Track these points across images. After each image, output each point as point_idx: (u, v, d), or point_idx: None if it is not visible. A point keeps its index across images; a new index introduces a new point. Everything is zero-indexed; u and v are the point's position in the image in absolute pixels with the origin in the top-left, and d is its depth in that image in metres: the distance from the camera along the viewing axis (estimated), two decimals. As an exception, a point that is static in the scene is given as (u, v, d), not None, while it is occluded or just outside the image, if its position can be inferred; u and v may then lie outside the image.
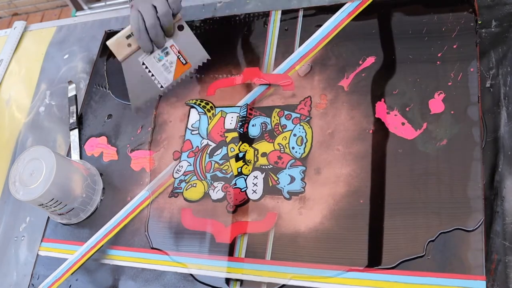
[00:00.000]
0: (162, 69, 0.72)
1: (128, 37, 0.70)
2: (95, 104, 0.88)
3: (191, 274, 0.65)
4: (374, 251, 0.58)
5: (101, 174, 0.80)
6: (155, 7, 0.68)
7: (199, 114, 0.78)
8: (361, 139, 0.65)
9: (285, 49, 0.77)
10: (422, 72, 0.66)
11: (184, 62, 0.73)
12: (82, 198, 0.74)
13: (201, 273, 0.65)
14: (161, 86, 0.72)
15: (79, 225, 0.77)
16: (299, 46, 0.76)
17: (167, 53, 0.72)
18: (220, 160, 0.72)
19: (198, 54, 0.75)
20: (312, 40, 0.75)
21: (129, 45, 0.70)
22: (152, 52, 0.71)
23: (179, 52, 0.72)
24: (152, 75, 0.72)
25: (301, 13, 0.78)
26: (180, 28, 0.73)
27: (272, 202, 0.66)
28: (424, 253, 0.56)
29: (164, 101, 0.81)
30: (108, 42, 0.72)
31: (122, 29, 0.74)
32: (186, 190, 0.72)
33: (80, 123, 0.87)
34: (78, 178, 0.73)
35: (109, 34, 0.94)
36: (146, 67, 0.72)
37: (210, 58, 0.77)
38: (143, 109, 0.75)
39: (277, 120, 0.72)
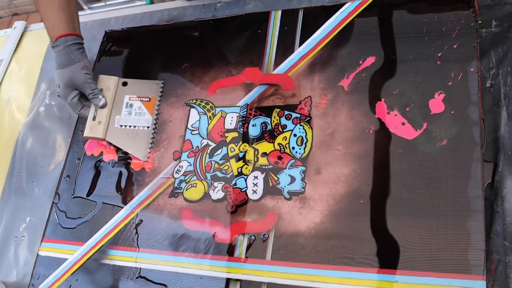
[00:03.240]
0: (137, 117, 0.80)
1: (93, 118, 0.78)
2: (95, 104, 0.88)
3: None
4: (374, 251, 0.58)
5: (101, 174, 0.80)
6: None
7: (199, 114, 0.78)
8: (361, 139, 0.65)
9: (285, 49, 0.77)
10: (422, 72, 0.66)
11: (148, 99, 0.81)
12: None
13: (201, 273, 0.65)
14: (147, 127, 0.80)
15: (79, 225, 0.77)
16: (299, 46, 0.76)
17: (131, 105, 0.80)
18: (220, 160, 0.72)
19: (153, 86, 0.83)
20: (312, 40, 0.75)
21: (99, 122, 0.78)
22: (105, 104, 0.79)
23: (138, 97, 0.81)
24: (134, 126, 0.79)
25: (301, 13, 0.78)
26: (125, 84, 0.82)
27: (272, 202, 0.66)
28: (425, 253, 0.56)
29: (164, 101, 0.81)
30: (84, 135, 0.79)
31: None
32: (186, 190, 0.72)
33: (81, 122, 0.87)
34: None
35: (109, 34, 0.94)
36: (125, 126, 0.79)
37: (164, 80, 0.83)
38: (149, 151, 0.79)
39: (277, 120, 0.71)
